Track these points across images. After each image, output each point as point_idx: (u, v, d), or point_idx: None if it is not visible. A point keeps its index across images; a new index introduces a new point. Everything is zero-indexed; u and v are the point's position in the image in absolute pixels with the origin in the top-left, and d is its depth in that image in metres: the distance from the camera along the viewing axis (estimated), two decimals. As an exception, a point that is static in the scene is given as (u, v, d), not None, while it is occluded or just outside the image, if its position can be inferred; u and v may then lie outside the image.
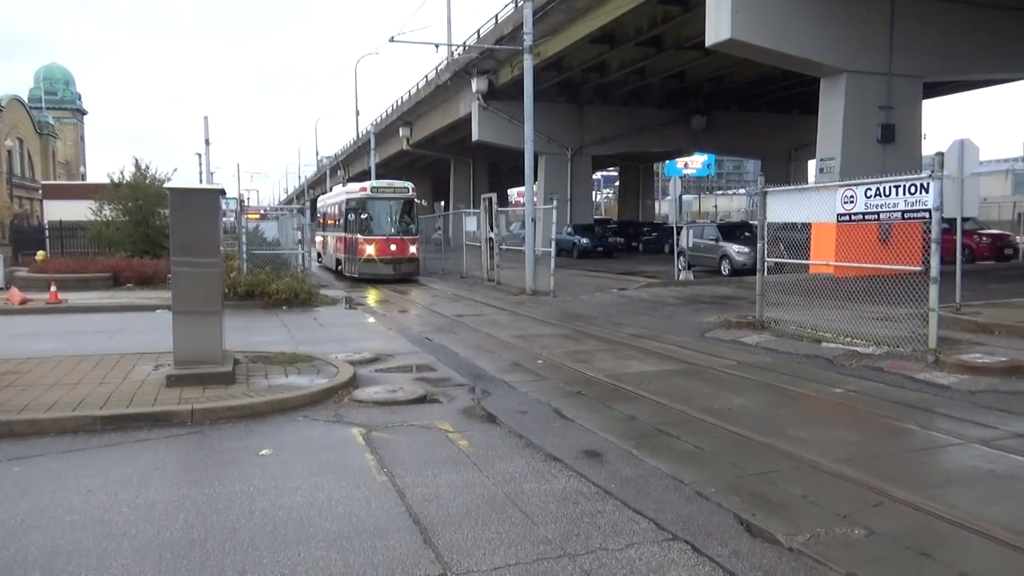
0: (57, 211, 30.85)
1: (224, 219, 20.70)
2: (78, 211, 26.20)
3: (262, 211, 33.07)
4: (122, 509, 4.67)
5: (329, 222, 29.38)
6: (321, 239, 31.37)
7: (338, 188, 31.05)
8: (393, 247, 22.68)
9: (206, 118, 34.16)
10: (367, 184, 24.37)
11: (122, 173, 25.29)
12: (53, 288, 16.12)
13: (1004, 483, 5.10)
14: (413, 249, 23.47)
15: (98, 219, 24.55)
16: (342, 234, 24.94)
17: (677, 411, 7.04)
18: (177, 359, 7.79)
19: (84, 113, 74.18)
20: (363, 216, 22.92)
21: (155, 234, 23.22)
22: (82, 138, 73.74)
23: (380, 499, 4.82)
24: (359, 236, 22.79)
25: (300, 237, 20.74)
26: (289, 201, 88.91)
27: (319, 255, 31.31)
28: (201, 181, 36.96)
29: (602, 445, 5.98)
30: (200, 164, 40.84)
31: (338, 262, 25.96)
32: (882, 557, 4.03)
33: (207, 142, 34.57)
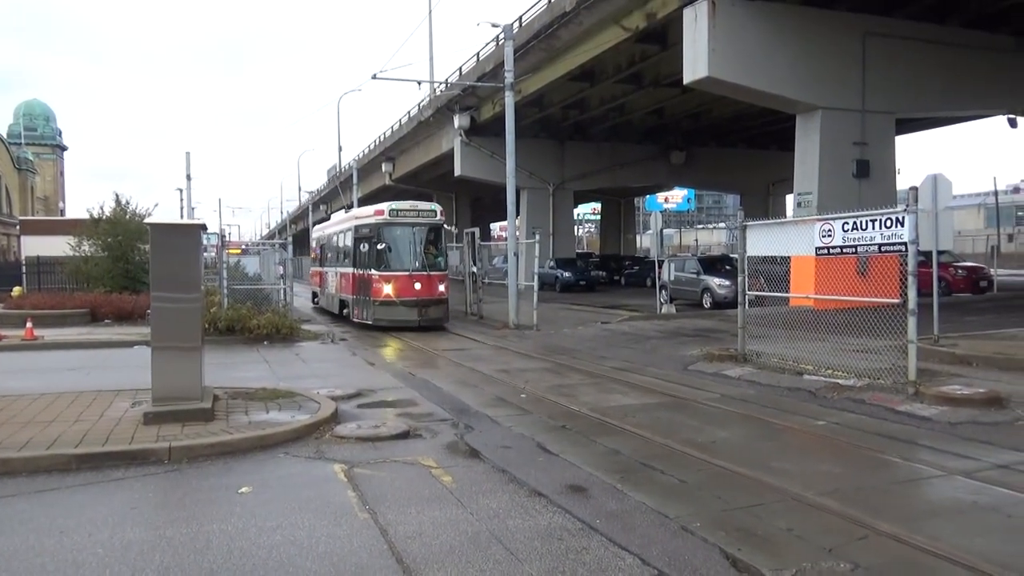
0: (35, 247, 30.49)
1: (205, 254, 20.68)
2: (56, 247, 25.93)
3: (244, 246, 32.91)
4: (96, 550, 4.55)
5: (330, 255, 24.18)
6: (318, 276, 26.65)
7: (338, 215, 27.59)
8: (417, 285, 17.90)
9: (188, 153, 34.25)
10: (384, 207, 18.83)
11: (102, 208, 25.13)
12: (29, 324, 15.88)
13: (986, 515, 5.11)
14: (442, 288, 18.51)
15: (77, 255, 24.31)
16: (349, 270, 19.98)
17: (661, 445, 7.02)
18: (155, 396, 7.67)
19: (64, 149, 73.97)
20: (379, 247, 18.07)
21: (135, 269, 23.02)
22: (61, 173, 73.42)
23: (362, 537, 4.74)
24: (373, 272, 18.11)
25: (282, 272, 20.64)
26: (271, 236, 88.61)
27: (315, 295, 27.25)
28: (182, 216, 36.84)
29: (587, 480, 5.94)
30: (181, 199, 40.74)
31: (343, 304, 21.11)
32: (868, 591, 4.01)
33: (188, 177, 34.55)
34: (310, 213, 63.48)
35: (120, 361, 13.08)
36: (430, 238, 18.85)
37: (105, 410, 8.07)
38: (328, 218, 31.16)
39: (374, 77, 23.72)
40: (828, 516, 5.08)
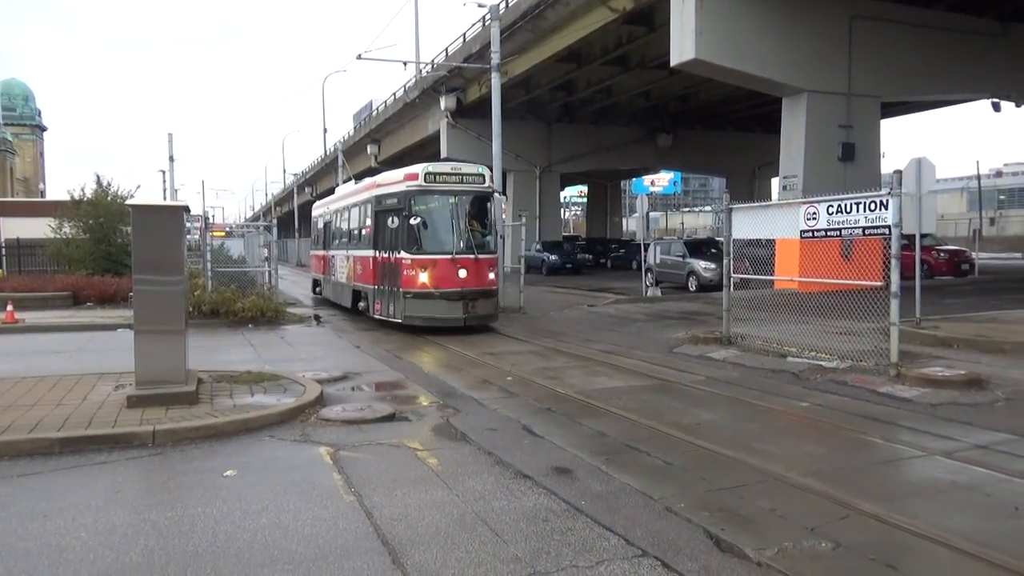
0: (15, 229, 30.14)
1: (188, 236, 20.51)
2: (37, 228, 25.64)
3: (228, 228, 32.63)
4: (80, 534, 4.53)
5: (338, 235, 19.95)
6: (321, 261, 22.42)
7: (346, 187, 21.16)
8: (462, 273, 13.89)
9: (170, 134, 33.82)
10: (418, 169, 14.48)
11: (83, 190, 24.85)
12: (9, 307, 15.70)
13: (965, 494, 5.19)
14: (492, 275, 14.65)
15: (58, 237, 24.04)
16: (368, 252, 15.77)
17: (646, 427, 7.05)
18: (139, 379, 7.62)
19: (44, 129, 72.93)
20: (412, 222, 14.00)
21: (117, 252, 22.80)
22: (41, 154, 72.44)
23: (348, 519, 4.74)
24: (404, 256, 14.10)
25: (267, 255, 20.51)
26: (256, 218, 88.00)
27: (316, 283, 23.64)
28: (165, 198, 36.48)
29: (572, 462, 5.97)
30: (164, 181, 40.32)
31: (358, 295, 16.99)
32: (849, 570, 4.06)
33: (171, 158, 34.16)
34: (295, 195, 63.14)
35: (103, 344, 12.97)
36: (476, 210, 14.70)
37: (88, 393, 8.01)
38: (332, 191, 24.16)
39: (359, 57, 23.54)
40: (810, 496, 5.14)
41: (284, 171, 67.94)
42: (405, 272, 14.09)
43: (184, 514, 4.86)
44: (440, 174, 14.43)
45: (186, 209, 8.67)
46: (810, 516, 4.72)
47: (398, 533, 4.50)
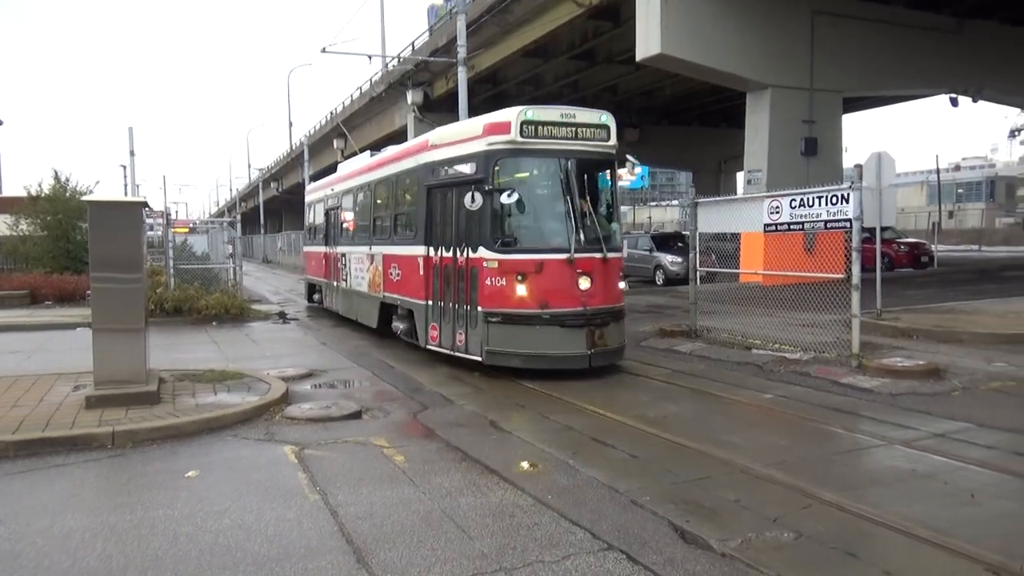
0: (-31, 226, 29.27)
1: (150, 233, 20.10)
2: (-8, 225, 24.94)
3: (191, 224, 32.05)
4: (35, 540, 4.42)
5: (349, 226, 15.10)
6: (321, 261, 17.16)
7: (356, 161, 15.82)
8: (585, 282, 9.09)
9: (131, 129, 33.05)
10: (510, 115, 9.20)
11: (40, 186, 24.25)
12: (-37, 307, 15.28)
13: (924, 482, 5.29)
14: (622, 285, 10.06)
15: (14, 234, 23.44)
16: (411, 250, 10.85)
17: (613, 420, 7.08)
18: (97, 379, 7.45)
19: (-1, 123, 70.82)
20: (503, 201, 9.14)
21: (76, 249, 22.27)
22: (-3, 149, 70.43)
23: (312, 519, 4.69)
24: (485, 255, 9.23)
25: (231, 251, 20.19)
26: (221, 214, 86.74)
27: (313, 289, 18.72)
28: (126, 194, 35.73)
29: (539, 456, 5.97)
30: (125, 176, 39.49)
31: (390, 312, 12.04)
32: (810, 559, 4.12)
33: (132, 153, 33.44)
34: (260, 191, 62.29)
35: (62, 344, 12.68)
36: (598, 182, 9.90)
37: (45, 394, 7.82)
38: (333, 168, 19.14)
39: (323, 51, 23.23)
40: (774, 487, 5.20)
41: (249, 166, 66.95)
42: (488, 281, 9.11)
43: (144, 517, 4.76)
44: (546, 124, 9.20)
45: (145, 205, 8.49)
46: (773, 506, 4.78)
47: (363, 532, 4.46)
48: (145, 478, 5.61)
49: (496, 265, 9.08)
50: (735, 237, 13.88)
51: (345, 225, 15.37)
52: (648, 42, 18.97)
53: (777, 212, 10.20)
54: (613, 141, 9.66)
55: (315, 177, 41.09)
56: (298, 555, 4.15)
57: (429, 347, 10.33)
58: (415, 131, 34.52)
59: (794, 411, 7.38)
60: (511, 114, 9.15)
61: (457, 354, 9.71)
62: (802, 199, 9.83)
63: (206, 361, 10.27)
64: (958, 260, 30.61)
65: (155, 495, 5.20)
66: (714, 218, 11.94)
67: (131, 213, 7.88)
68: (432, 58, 28.14)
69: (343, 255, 15.02)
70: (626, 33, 22.25)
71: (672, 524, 4.51)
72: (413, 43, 31.62)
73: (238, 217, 21.88)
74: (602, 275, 9.25)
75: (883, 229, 13.88)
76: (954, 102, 26.50)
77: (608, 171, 9.90)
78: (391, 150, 13.02)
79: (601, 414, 7.32)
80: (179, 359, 10.41)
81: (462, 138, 9.84)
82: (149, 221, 18.61)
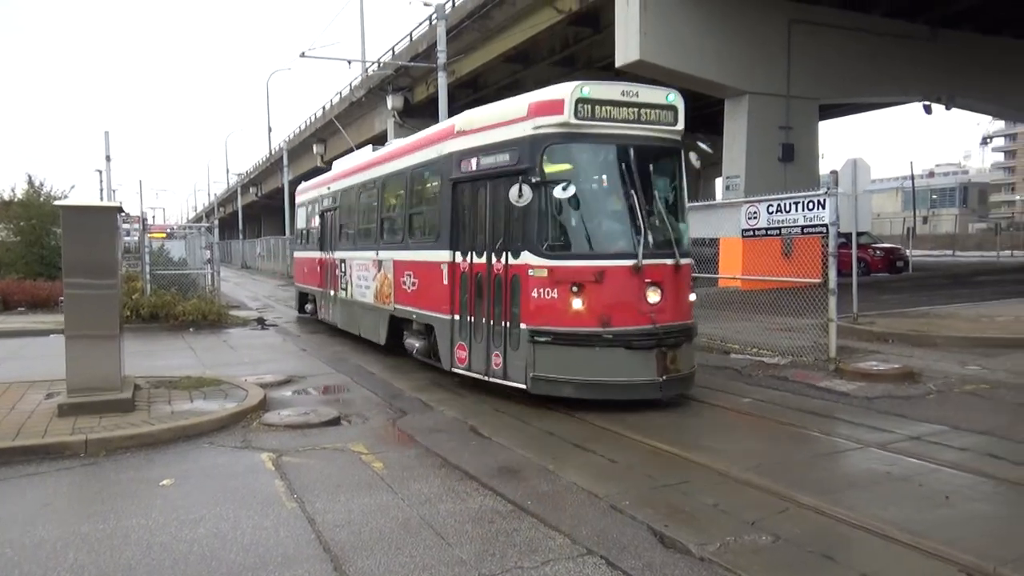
0: (-60, 231, 28.75)
1: (127, 238, 19.88)
2: (-36, 231, 24.52)
3: (168, 229, 31.73)
4: (4, 550, 4.33)
5: (354, 228, 13.39)
6: (314, 267, 15.62)
7: (356, 156, 14.33)
8: (654, 295, 7.61)
9: (107, 133, 32.68)
10: (563, 92, 7.67)
11: (13, 191, 23.95)
12: (-67, 313, 15.00)
13: (899, 485, 5.34)
14: (692, 296, 8.43)
15: (-15, 239, 23.08)
16: (434, 255, 9.39)
17: (593, 425, 7.09)
18: (70, 387, 7.33)
19: (-29, 127, 69.80)
20: (560, 195, 7.67)
21: (50, 254, 21.96)
22: (-31, 153, 69.42)
23: (289, 527, 4.64)
24: (530, 260, 7.77)
25: (209, 256, 20.00)
26: (199, 219, 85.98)
27: (304, 298, 17.12)
28: (102, 198, 35.31)
29: (519, 462, 5.96)
30: (101, 181, 39.05)
31: (400, 327, 10.82)
32: (788, 562, 4.14)
33: (108, 158, 33.05)
34: (239, 196, 61.86)
35: (35, 351, 12.48)
36: (665, 174, 8.47)
37: (17, 402, 7.69)
38: (329, 167, 16.84)
39: (303, 55, 23.19)
40: (752, 491, 5.23)
41: (227, 171, 66.59)
42: (535, 293, 7.67)
43: (117, 526, 4.69)
44: (604, 103, 7.76)
45: (119, 210, 8.39)
46: (751, 510, 4.80)
47: (341, 539, 4.42)
48: (119, 487, 5.53)
49: (546, 273, 7.63)
50: (714, 242, 13.97)
51: (345, 227, 13.85)
52: (627, 48, 19.10)
53: (755, 217, 10.29)
54: (681, 125, 8.36)
55: (296, 181, 40.87)
56: (275, 564, 4.11)
57: (455, 371, 8.87)
58: (395, 136, 34.44)
59: (772, 415, 7.44)
60: (563, 91, 7.71)
61: (493, 381, 8.22)
62: (779, 205, 9.93)
63: (183, 368, 10.16)
64: (932, 265, 31.05)
65: (129, 504, 5.12)
66: (693, 223, 11.97)
67: (105, 218, 7.77)
68: (412, 63, 28.14)
69: (342, 261, 13.62)
70: (606, 39, 22.36)
71: (651, 528, 4.52)
72: (393, 48, 31.58)
73: (216, 222, 21.65)
74: (673, 286, 7.82)
75: (859, 234, 14.03)
76: (928, 109, 26.92)
77: (675, 161, 8.48)
78: (421, 134, 10.88)
79: (580, 419, 7.31)
80: (155, 366, 10.28)
81: (499, 121, 8.36)
82: (125, 226, 18.46)
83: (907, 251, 27.08)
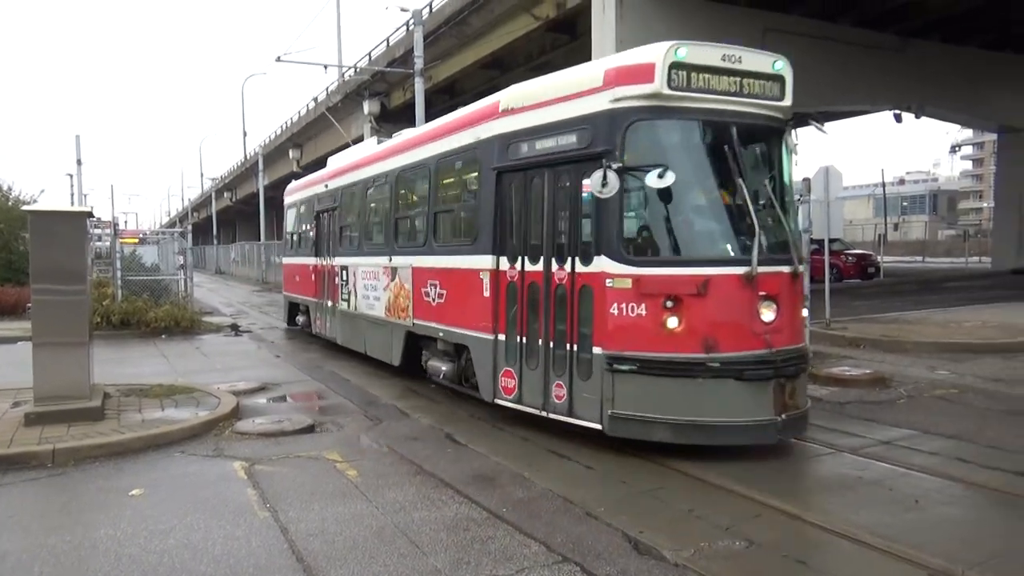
0: (-96, 236, 28.07)
1: (98, 244, 19.57)
2: (-71, 236, 23.97)
3: (141, 235, 31.27)
4: (-33, 564, 4.23)
5: (358, 231, 11.80)
6: (308, 275, 14.07)
7: (361, 148, 13.53)
8: (768, 311, 6.05)
9: (78, 136, 32.27)
10: (652, 55, 6.23)
11: (-20, 195, 23.47)
12: None
13: (871, 489, 5.40)
14: (804, 311, 7.01)
15: (-48, 245, 22.59)
16: (466, 261, 7.83)
17: (570, 432, 7.08)
18: (37, 395, 7.19)
19: (-62, 130, 68.52)
20: (651, 184, 6.02)
21: (19, 260, 21.56)
22: (-65, 156, 68.04)
23: (261, 537, 4.58)
24: (607, 267, 6.15)
25: (182, 262, 19.75)
26: (172, 224, 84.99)
27: (295, 309, 15.48)
28: (73, 203, 34.79)
29: (494, 469, 5.94)
30: (72, 185, 38.47)
31: (418, 344, 9.49)
32: (761, 567, 4.17)
33: (79, 162, 32.62)
34: (213, 200, 61.19)
35: (2, 359, 12.22)
36: (768, 160, 6.95)
37: (-19, 411, 7.52)
38: (323, 162, 14.92)
39: (278, 60, 23.06)
40: (726, 496, 5.26)
41: (201, 175, 66.01)
42: (614, 308, 6.17)
43: (85, 538, 4.60)
44: (703, 69, 6.40)
45: (89, 215, 8.27)
46: (725, 516, 4.83)
47: (314, 549, 4.37)
48: (87, 497, 5.43)
49: (630, 284, 6.06)
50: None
51: (347, 230, 12.29)
52: (603, 56, 19.19)
53: (729, 224, 10.35)
54: (788, 100, 6.96)
55: (271, 186, 40.51)
56: (246, 574, 4.05)
57: (499, 402, 7.32)
58: (372, 141, 34.33)
59: (746, 420, 7.47)
60: (654, 53, 6.24)
61: (554, 417, 6.67)
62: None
63: (154, 375, 10.01)
64: (903, 271, 31.53)
65: (97, 515, 5.03)
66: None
67: (74, 223, 7.64)
68: (389, 68, 28.09)
69: (343, 269, 12.04)
70: (583, 46, 22.47)
71: (626, 535, 4.52)
72: (370, 53, 31.49)
73: (189, 227, 21.40)
74: (790, 300, 6.33)
75: (831, 241, 14.22)
76: (898, 118, 27.31)
77: (781, 143, 6.98)
78: (417, 129, 9.66)
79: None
80: (126, 373, 10.12)
81: (563, 95, 6.75)
82: (96, 231, 18.19)
83: (879, 257, 27.50)
